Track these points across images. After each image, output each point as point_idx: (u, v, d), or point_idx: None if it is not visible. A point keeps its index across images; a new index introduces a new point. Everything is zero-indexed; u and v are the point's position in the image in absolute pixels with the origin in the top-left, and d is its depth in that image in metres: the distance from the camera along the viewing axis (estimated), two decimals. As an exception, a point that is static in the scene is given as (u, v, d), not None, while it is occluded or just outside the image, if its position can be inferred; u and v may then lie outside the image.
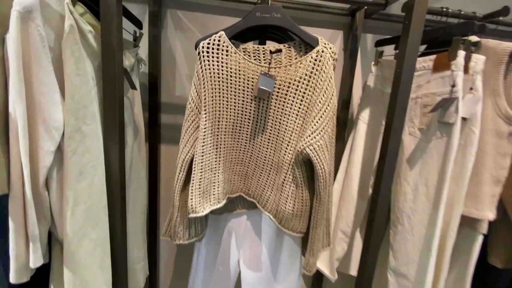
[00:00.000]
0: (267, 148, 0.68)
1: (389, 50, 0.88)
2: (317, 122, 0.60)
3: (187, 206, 0.67)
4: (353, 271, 1.03)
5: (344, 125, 1.00)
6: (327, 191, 0.63)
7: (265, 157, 0.68)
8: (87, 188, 0.56)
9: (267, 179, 0.69)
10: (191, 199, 0.64)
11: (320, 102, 0.60)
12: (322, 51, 0.60)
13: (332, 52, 0.61)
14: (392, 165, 0.68)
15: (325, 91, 0.60)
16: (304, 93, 0.62)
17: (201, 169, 0.64)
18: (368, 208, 0.92)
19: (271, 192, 0.69)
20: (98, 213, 0.58)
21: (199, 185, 0.65)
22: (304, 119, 0.63)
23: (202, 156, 0.64)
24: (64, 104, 0.51)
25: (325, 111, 0.60)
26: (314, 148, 0.59)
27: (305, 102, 0.62)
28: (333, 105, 0.60)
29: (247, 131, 0.69)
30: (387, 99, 0.82)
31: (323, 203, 0.63)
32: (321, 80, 0.60)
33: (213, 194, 0.68)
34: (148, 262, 1.00)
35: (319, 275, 1.05)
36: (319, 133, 0.59)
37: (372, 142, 0.87)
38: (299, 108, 0.63)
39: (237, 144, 0.70)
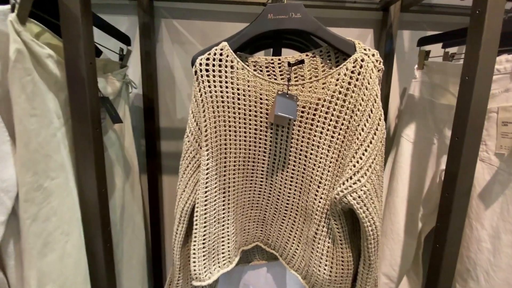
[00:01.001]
0: (290, 189, 0.52)
1: (435, 50, 0.70)
2: (360, 158, 0.43)
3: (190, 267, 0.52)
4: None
5: (379, 142, 0.82)
6: (377, 252, 0.46)
7: (287, 200, 0.52)
8: (56, 263, 0.42)
9: (292, 228, 0.53)
10: (194, 262, 0.49)
11: (363, 130, 0.43)
12: (362, 60, 0.44)
13: (376, 61, 0.44)
14: (463, 204, 0.50)
15: (369, 114, 0.43)
16: (339, 117, 0.46)
17: (204, 222, 0.49)
18: (418, 246, 0.74)
19: (298, 246, 0.53)
20: (74, 290, 0.45)
21: (203, 243, 0.49)
22: (340, 152, 0.46)
23: (206, 205, 0.49)
24: (16, 157, 0.38)
25: (371, 142, 0.43)
26: (359, 196, 0.43)
27: (341, 129, 0.46)
28: (382, 133, 0.44)
29: (262, 168, 0.53)
30: (441, 111, 0.64)
31: (373, 269, 0.46)
32: (362, 99, 0.43)
33: (223, 253, 0.52)
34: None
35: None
36: (365, 174, 0.43)
37: (421, 165, 0.69)
38: (332, 137, 0.46)
39: (251, 185, 0.54)
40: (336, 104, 0.46)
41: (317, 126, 0.47)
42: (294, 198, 0.52)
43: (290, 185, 0.52)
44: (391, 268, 0.74)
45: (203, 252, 0.49)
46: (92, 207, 0.47)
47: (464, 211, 0.51)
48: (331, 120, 0.46)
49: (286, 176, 0.52)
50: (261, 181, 0.54)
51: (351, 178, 0.43)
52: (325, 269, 0.48)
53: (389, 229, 0.74)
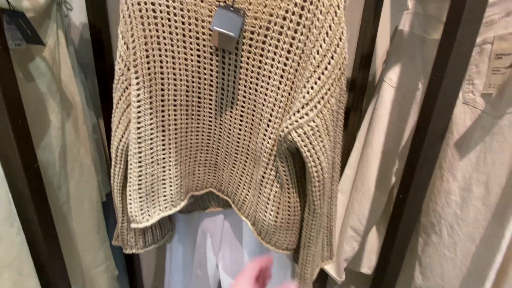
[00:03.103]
0: (239, 130, 0.45)
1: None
2: (311, 87, 0.36)
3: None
4: (365, 268, 0.85)
5: (362, 91, 0.74)
6: (326, 197, 0.41)
7: (237, 141, 0.46)
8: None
9: (243, 172, 0.48)
10: (130, 204, 0.45)
11: (318, 52, 0.35)
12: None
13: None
14: (434, 150, 0.44)
15: (327, 32, 0.34)
16: (294, 38, 0.37)
17: (139, 162, 0.44)
18: (388, 202, 0.70)
19: (249, 191, 0.48)
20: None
21: (139, 184, 0.45)
22: (293, 83, 0.39)
23: (140, 142, 0.43)
24: None
25: (326, 69, 0.35)
26: (304, 132, 0.36)
27: (295, 54, 0.37)
28: (341, 57, 0.35)
29: (210, 104, 0.46)
30: (432, 50, 0.54)
31: (319, 214, 0.41)
32: (321, 12, 0.34)
33: (164, 196, 0.48)
34: (126, 260, 0.87)
35: (323, 273, 0.88)
36: (315, 107, 0.36)
37: (401, 113, 0.62)
38: (285, 65, 0.38)
39: (198, 124, 0.48)
40: (291, 21, 0.36)
41: (268, 52, 0.39)
42: (244, 139, 0.46)
43: (240, 124, 0.45)
44: (358, 222, 0.71)
45: (139, 193, 0.45)
46: (7, 139, 0.41)
47: (434, 160, 0.45)
48: (284, 42, 0.37)
49: (236, 114, 0.45)
50: (210, 121, 0.48)
51: (298, 111, 0.36)
52: (270, 215, 0.44)
53: (360, 182, 0.69)
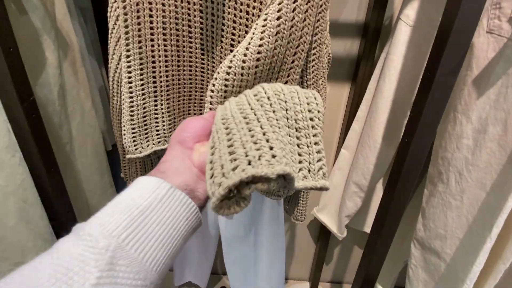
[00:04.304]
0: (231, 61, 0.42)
1: None
2: None
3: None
4: (368, 228, 0.84)
5: (375, 36, 0.67)
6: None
7: (229, 76, 0.44)
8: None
9: None
10: (124, 135, 0.45)
11: None
12: None
13: None
14: (447, 86, 0.39)
15: None
16: None
17: (130, 93, 0.43)
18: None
19: None
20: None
21: (131, 115, 0.44)
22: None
23: (129, 72, 0.42)
24: None
25: None
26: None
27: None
28: None
29: (201, 34, 0.43)
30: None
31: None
32: None
33: (157, 130, 0.48)
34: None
35: (326, 231, 0.88)
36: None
37: (417, 56, 0.56)
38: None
39: (190, 57, 0.45)
40: None
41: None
42: (237, 73, 0.43)
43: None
44: (362, 177, 0.69)
45: (132, 124, 0.45)
46: (1, 69, 0.41)
47: (445, 98, 0.40)
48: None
49: (226, 44, 0.42)
50: (202, 54, 0.45)
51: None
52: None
53: (366, 135, 0.65)
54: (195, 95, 0.49)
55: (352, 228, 0.83)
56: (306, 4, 0.34)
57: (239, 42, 0.40)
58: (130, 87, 0.43)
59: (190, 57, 0.45)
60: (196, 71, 0.47)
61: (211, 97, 0.38)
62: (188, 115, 0.51)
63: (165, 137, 0.49)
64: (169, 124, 0.48)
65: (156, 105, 0.46)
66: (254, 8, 0.37)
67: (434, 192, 0.51)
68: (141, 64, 0.43)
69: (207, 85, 0.48)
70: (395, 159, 0.46)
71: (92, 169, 0.65)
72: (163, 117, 0.47)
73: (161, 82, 0.45)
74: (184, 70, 0.46)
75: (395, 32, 0.57)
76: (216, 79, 0.37)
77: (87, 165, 0.64)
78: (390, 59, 0.58)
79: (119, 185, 0.78)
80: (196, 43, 0.44)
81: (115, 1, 0.41)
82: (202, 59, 0.46)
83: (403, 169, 0.45)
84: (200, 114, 0.51)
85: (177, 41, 0.44)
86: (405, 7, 0.55)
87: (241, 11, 0.38)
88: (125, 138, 0.45)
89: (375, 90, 0.63)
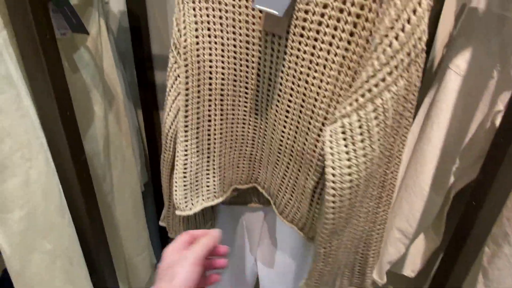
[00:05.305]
0: (284, 127, 0.41)
1: None
2: (372, 65, 0.29)
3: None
4: (408, 271, 0.79)
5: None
6: (347, 229, 0.34)
7: (281, 140, 0.42)
8: (20, 189, 0.38)
9: (285, 175, 0.44)
10: (175, 191, 0.44)
11: (381, 30, 0.28)
12: None
13: None
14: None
15: (394, 4, 0.27)
16: (359, 16, 0.31)
17: (185, 150, 0.43)
18: (444, 202, 0.63)
19: (292, 196, 0.45)
20: (48, 217, 0.42)
21: (184, 173, 0.44)
22: (356, 73, 0.33)
23: (186, 131, 0.42)
24: None
25: (384, 52, 0.28)
26: (342, 127, 0.31)
27: (361, 35, 0.32)
28: (411, 38, 0.28)
29: (256, 95, 0.43)
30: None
31: (328, 231, 0.35)
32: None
33: (207, 186, 0.46)
34: (160, 243, 0.89)
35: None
36: (355, 101, 0.30)
37: (467, 106, 0.54)
38: (347, 49, 0.33)
39: (244, 115, 0.45)
40: (358, -1, 0.31)
41: (324, 34, 0.34)
42: (288, 139, 0.41)
43: (285, 121, 0.41)
44: (407, 224, 0.66)
45: (184, 181, 0.44)
46: (56, 132, 0.41)
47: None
48: (346, 22, 0.32)
49: (281, 109, 0.41)
50: (256, 113, 0.44)
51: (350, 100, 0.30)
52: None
53: (411, 181, 0.63)
54: (245, 150, 0.48)
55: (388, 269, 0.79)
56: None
57: (295, 109, 0.39)
58: (186, 145, 0.42)
59: (244, 115, 0.45)
60: (249, 128, 0.46)
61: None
62: (237, 169, 0.50)
63: (215, 192, 0.47)
64: (219, 179, 0.47)
65: (208, 162, 0.45)
66: (314, 78, 0.36)
67: (499, 253, 0.47)
68: (197, 123, 0.42)
69: (258, 141, 0.47)
70: (459, 222, 0.44)
71: (130, 216, 0.64)
72: (214, 172, 0.46)
73: (215, 139, 0.44)
74: (237, 127, 0.46)
75: (444, 80, 0.56)
76: None
77: (126, 212, 0.63)
78: (439, 106, 0.57)
79: (150, 228, 0.77)
80: (251, 103, 0.43)
81: (175, 62, 0.40)
82: (256, 118, 0.45)
83: (470, 234, 0.42)
84: (249, 168, 0.50)
85: (233, 100, 0.43)
86: (453, 57, 0.54)
87: (299, 79, 0.37)
88: (176, 195, 0.44)
89: (421, 135, 0.62)
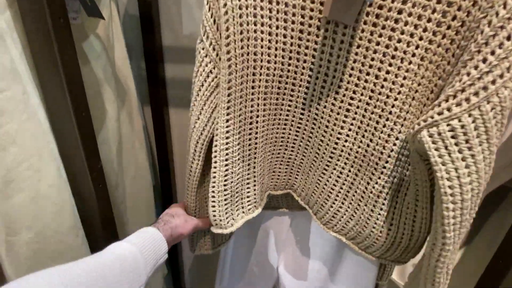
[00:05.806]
0: (342, 127, 0.37)
1: None
2: (467, 73, 0.26)
3: (208, 211, 0.41)
4: (396, 276, 0.79)
5: None
6: (464, 228, 0.31)
7: (336, 142, 0.37)
8: (28, 206, 0.31)
9: (337, 181, 0.39)
10: (214, 207, 0.38)
11: (490, 24, 0.25)
12: None
13: None
14: None
15: (504, 4, 0.24)
16: (451, 4, 0.27)
17: (226, 160, 0.37)
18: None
19: (343, 203, 0.40)
20: (60, 237, 0.36)
21: (225, 185, 0.38)
22: (438, 67, 0.29)
23: (228, 137, 0.36)
24: None
25: (495, 51, 0.25)
26: (439, 133, 0.27)
27: (450, 26, 0.28)
28: None
29: (306, 93, 0.37)
30: None
31: (449, 252, 0.32)
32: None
33: (248, 197, 0.41)
34: (169, 257, 0.83)
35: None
36: (465, 101, 0.26)
37: None
38: (431, 41, 0.29)
39: (287, 115, 0.40)
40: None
41: (406, 24, 0.29)
42: (347, 140, 0.37)
43: (344, 121, 0.36)
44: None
45: (225, 195, 0.38)
46: (70, 136, 0.34)
47: None
48: (434, 11, 0.28)
49: (339, 108, 0.36)
50: (302, 113, 0.39)
51: (439, 105, 0.27)
52: (382, 233, 0.36)
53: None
54: (284, 154, 0.43)
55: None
56: None
57: (358, 107, 0.35)
58: (227, 154, 0.37)
59: (287, 115, 0.40)
60: (290, 129, 0.41)
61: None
62: (273, 174, 0.45)
63: (255, 202, 0.42)
64: (260, 187, 0.42)
65: (249, 169, 0.40)
66: (388, 73, 0.32)
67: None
68: (239, 127, 0.37)
69: (300, 145, 0.42)
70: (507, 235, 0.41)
71: (142, 225, 0.57)
72: (255, 181, 0.41)
73: (256, 144, 0.39)
74: (277, 129, 0.41)
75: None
76: None
77: (139, 222, 0.56)
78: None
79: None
80: (297, 102, 0.38)
81: (206, 56, 0.34)
82: (301, 118, 0.40)
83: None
84: (285, 173, 0.45)
85: (277, 99, 0.38)
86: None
87: (367, 74, 0.33)
88: (214, 211, 0.38)
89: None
